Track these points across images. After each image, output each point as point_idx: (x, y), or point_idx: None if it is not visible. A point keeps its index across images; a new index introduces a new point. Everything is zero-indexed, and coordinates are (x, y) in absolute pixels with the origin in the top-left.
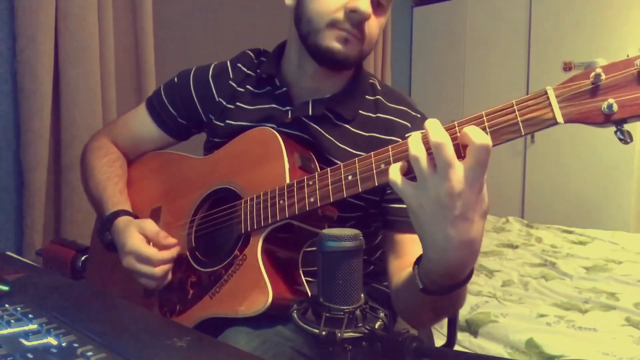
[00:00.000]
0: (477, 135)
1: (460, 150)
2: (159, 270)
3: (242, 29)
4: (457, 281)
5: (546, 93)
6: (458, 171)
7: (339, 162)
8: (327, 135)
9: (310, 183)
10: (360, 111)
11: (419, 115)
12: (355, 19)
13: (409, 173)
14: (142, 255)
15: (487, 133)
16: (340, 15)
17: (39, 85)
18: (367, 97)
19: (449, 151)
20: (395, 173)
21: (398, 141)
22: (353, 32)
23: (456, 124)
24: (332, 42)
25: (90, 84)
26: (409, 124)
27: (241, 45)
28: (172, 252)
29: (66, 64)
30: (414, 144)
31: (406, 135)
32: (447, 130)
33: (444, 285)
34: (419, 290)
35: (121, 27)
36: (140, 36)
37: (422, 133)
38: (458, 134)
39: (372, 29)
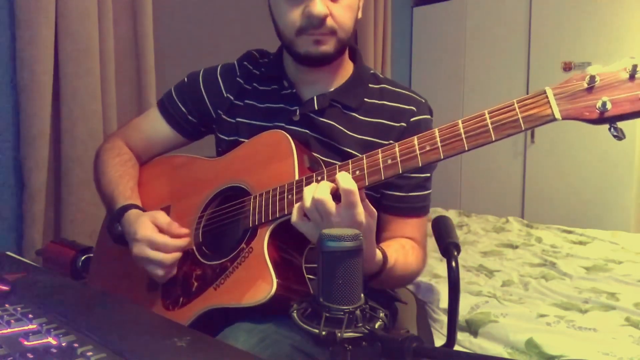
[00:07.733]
0: (344, 181)
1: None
2: (169, 257)
3: (241, 30)
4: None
5: (545, 92)
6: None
7: (350, 151)
8: (337, 125)
9: (319, 178)
10: (365, 99)
11: (423, 101)
12: (316, 22)
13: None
14: (155, 242)
15: (489, 130)
16: (303, 22)
17: (39, 85)
18: (370, 85)
19: (331, 204)
20: (297, 215)
21: (403, 126)
22: (319, 32)
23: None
24: (306, 47)
25: (90, 84)
26: (414, 108)
27: (241, 46)
28: (184, 241)
29: (66, 64)
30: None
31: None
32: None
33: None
34: None
35: (121, 27)
36: (140, 36)
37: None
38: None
39: (338, 17)
